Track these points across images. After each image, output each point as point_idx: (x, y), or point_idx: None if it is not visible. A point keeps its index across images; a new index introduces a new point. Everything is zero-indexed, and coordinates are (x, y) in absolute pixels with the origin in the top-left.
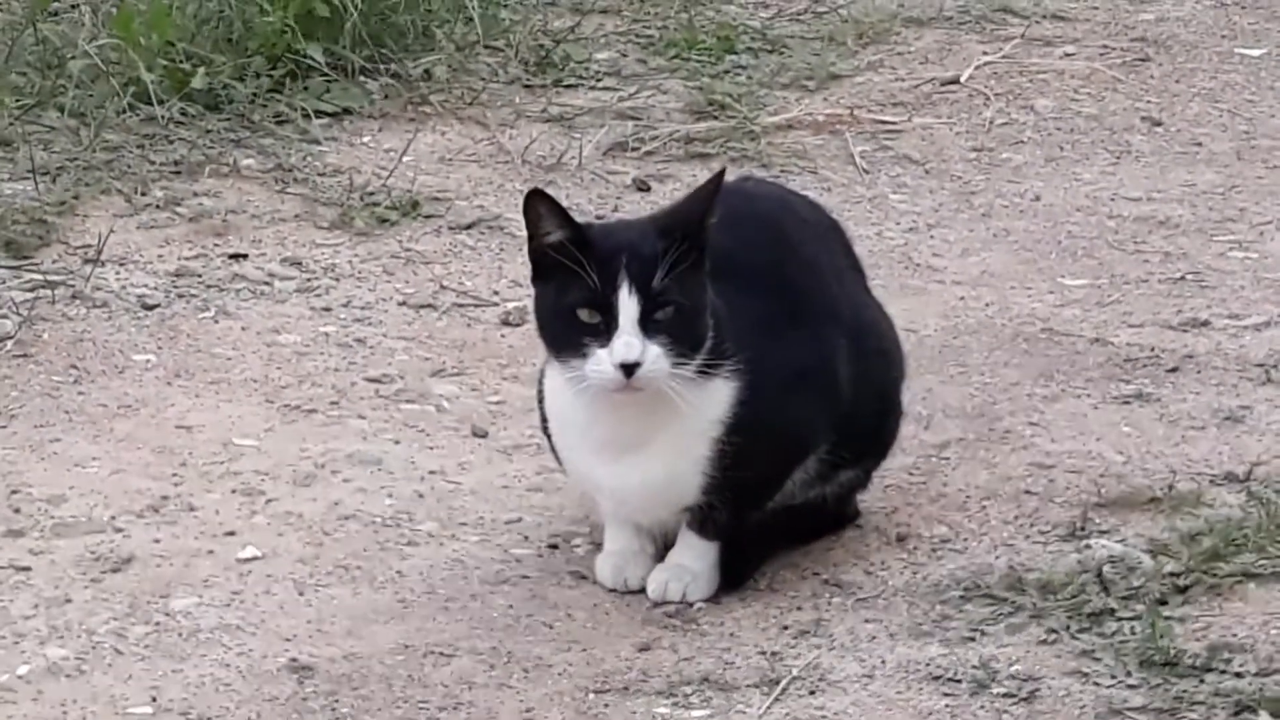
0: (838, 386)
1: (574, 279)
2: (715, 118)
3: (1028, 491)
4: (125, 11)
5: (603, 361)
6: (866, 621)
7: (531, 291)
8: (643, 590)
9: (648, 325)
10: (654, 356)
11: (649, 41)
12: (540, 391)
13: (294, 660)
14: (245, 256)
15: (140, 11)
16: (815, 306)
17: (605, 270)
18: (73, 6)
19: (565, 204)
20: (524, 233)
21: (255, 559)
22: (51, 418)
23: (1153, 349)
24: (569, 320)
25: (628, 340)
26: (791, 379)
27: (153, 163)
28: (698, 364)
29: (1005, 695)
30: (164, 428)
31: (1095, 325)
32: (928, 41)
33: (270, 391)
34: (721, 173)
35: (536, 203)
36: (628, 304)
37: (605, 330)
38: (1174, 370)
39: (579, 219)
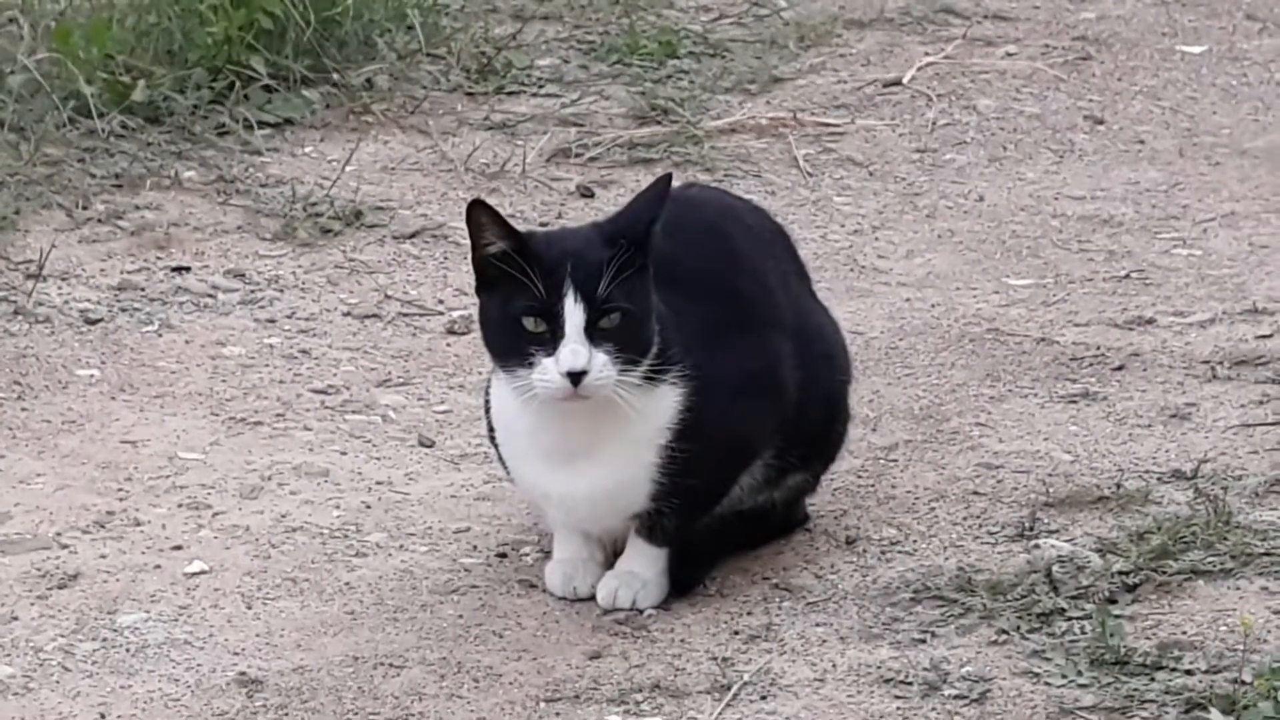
0: (784, 391)
1: (518, 288)
2: (658, 123)
3: (976, 492)
4: (64, 25)
5: (549, 370)
6: (817, 625)
7: (476, 301)
8: (592, 598)
9: (593, 333)
10: (600, 364)
11: (591, 47)
12: (487, 401)
13: (243, 674)
14: (188, 269)
15: (79, 25)
16: (760, 312)
17: (550, 279)
18: (10, 20)
19: (508, 212)
20: (468, 241)
21: (202, 573)
22: None
23: (1098, 348)
24: (514, 330)
25: (574, 348)
26: (738, 384)
27: (94, 176)
28: (644, 370)
29: (957, 697)
30: (109, 443)
31: (1041, 325)
32: (869, 43)
33: (215, 404)
34: (668, 178)
35: (478, 213)
36: (573, 312)
37: (551, 339)
38: (1120, 369)
39: (523, 227)
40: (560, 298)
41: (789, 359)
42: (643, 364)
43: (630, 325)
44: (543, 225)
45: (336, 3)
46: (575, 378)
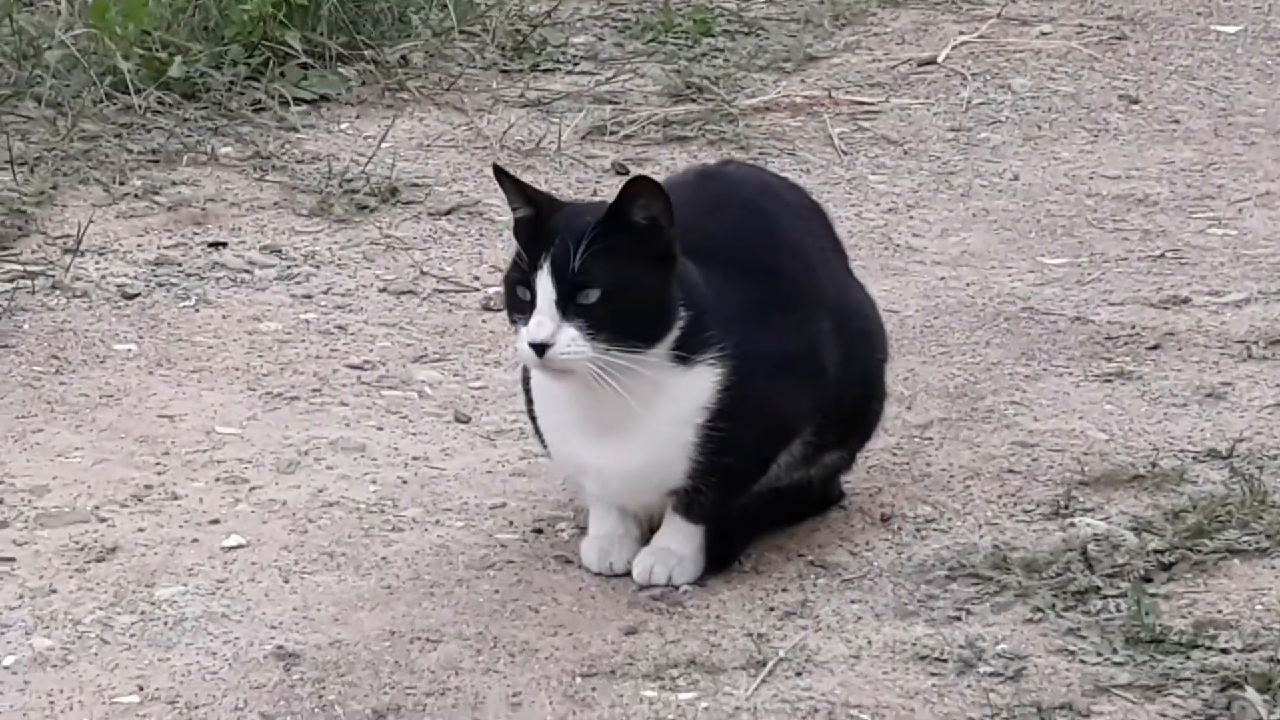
0: (824, 370)
1: (519, 256)
2: (693, 101)
3: (1011, 470)
4: (101, 1)
5: (522, 339)
6: (852, 602)
7: None
8: (628, 574)
9: (567, 307)
10: (568, 339)
11: (626, 25)
12: (525, 375)
13: (280, 647)
14: (225, 245)
15: (116, 0)
16: (800, 290)
17: (536, 249)
18: None
19: (545, 187)
20: (503, 218)
21: (240, 547)
22: (33, 408)
23: (1133, 327)
24: (511, 296)
25: (539, 320)
26: (778, 364)
27: (130, 151)
28: (662, 353)
29: (992, 674)
30: (146, 417)
31: (1076, 304)
32: (904, 22)
33: (252, 379)
34: (640, 180)
35: (500, 179)
36: (544, 284)
37: (529, 308)
38: (1155, 348)
39: (558, 198)
40: (537, 269)
41: (828, 337)
42: (651, 345)
43: (617, 305)
44: (576, 200)
45: None
46: (539, 349)
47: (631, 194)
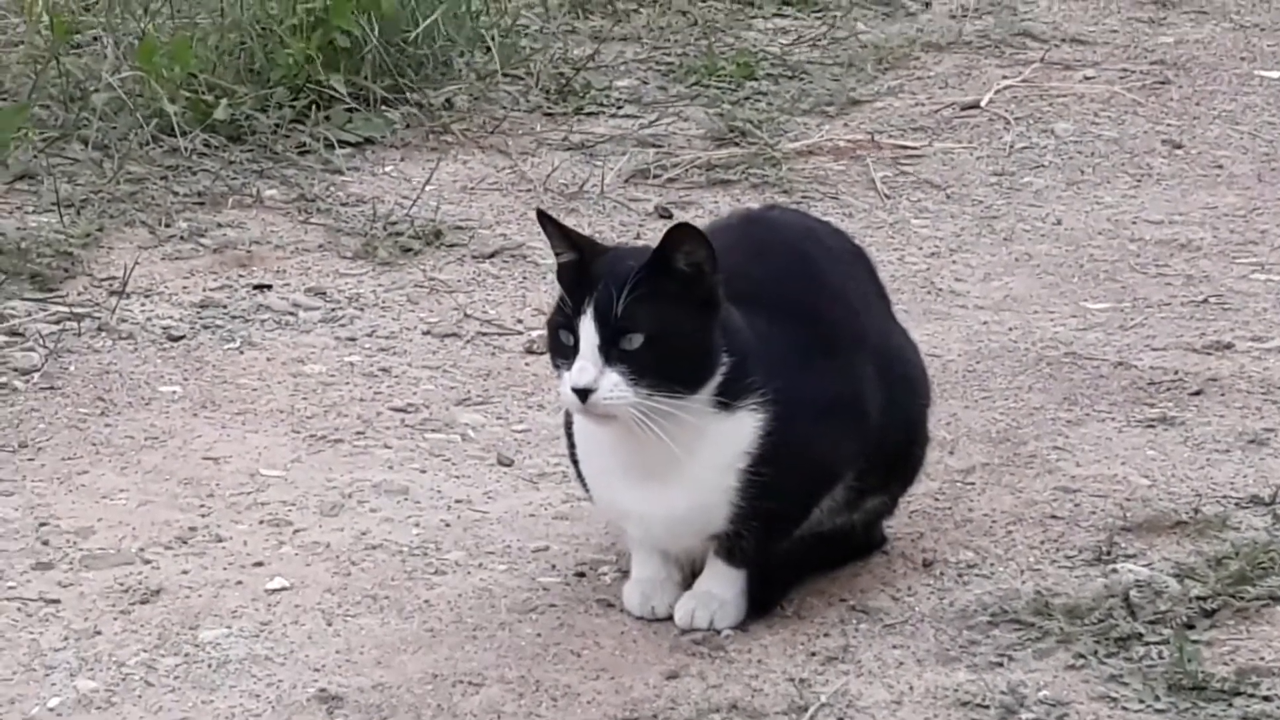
0: (867, 415)
1: (562, 301)
2: (736, 144)
3: (1053, 516)
4: (148, 43)
5: (565, 383)
6: (894, 647)
7: None
8: (670, 618)
9: (610, 353)
10: (610, 384)
11: (669, 68)
12: (568, 419)
13: (323, 690)
14: (269, 287)
15: (162, 43)
16: (843, 335)
17: (579, 294)
18: (95, 39)
19: (587, 233)
20: (547, 261)
21: (283, 589)
22: (79, 450)
23: (1176, 372)
24: (554, 341)
25: (582, 365)
26: (821, 409)
27: (176, 194)
28: (705, 399)
29: None
30: (191, 459)
31: (1118, 349)
32: (947, 66)
33: (296, 422)
34: (682, 227)
35: (543, 223)
36: (587, 329)
37: (572, 353)
38: (1198, 393)
39: (602, 243)
40: (581, 313)
41: (871, 382)
42: (693, 390)
43: (660, 351)
44: (620, 244)
45: (412, 26)
46: (582, 395)
47: (674, 241)
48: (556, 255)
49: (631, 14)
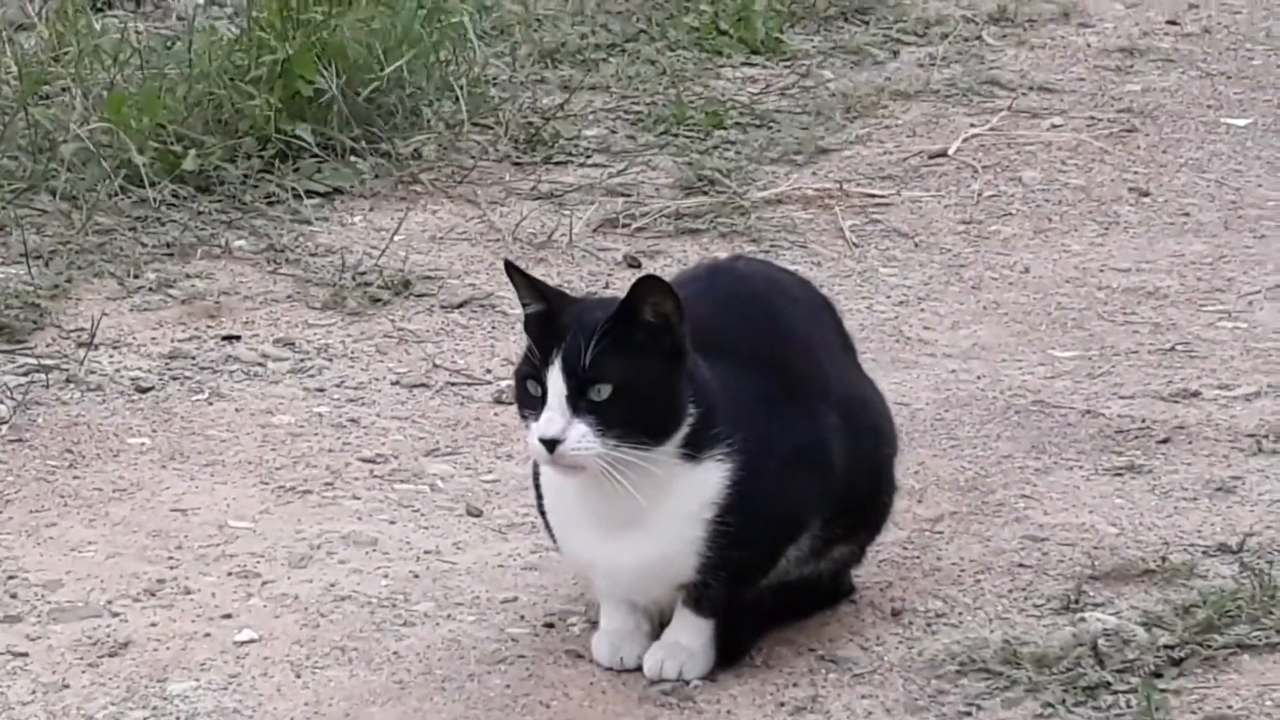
0: (832, 465)
1: (530, 351)
2: (705, 193)
3: (1021, 564)
4: (116, 95)
5: (532, 434)
6: (863, 697)
7: None
8: (639, 668)
9: (578, 404)
10: (579, 435)
11: (638, 118)
12: (535, 470)
13: None
14: (238, 338)
15: (131, 95)
16: (808, 385)
17: (547, 345)
18: (63, 90)
19: (556, 282)
20: (515, 311)
21: (252, 641)
22: (47, 502)
23: (1143, 420)
24: (521, 391)
25: (549, 416)
26: (786, 459)
27: (145, 245)
28: (671, 450)
29: None
30: (159, 511)
31: (1086, 397)
32: (915, 115)
33: (265, 473)
34: (648, 279)
35: (511, 275)
36: (555, 380)
37: (540, 403)
38: (1165, 441)
39: (570, 293)
40: (549, 364)
41: (836, 432)
42: (660, 441)
43: (627, 402)
44: (589, 294)
45: (375, 73)
46: (550, 445)
47: (641, 292)
48: (524, 306)
49: (600, 63)
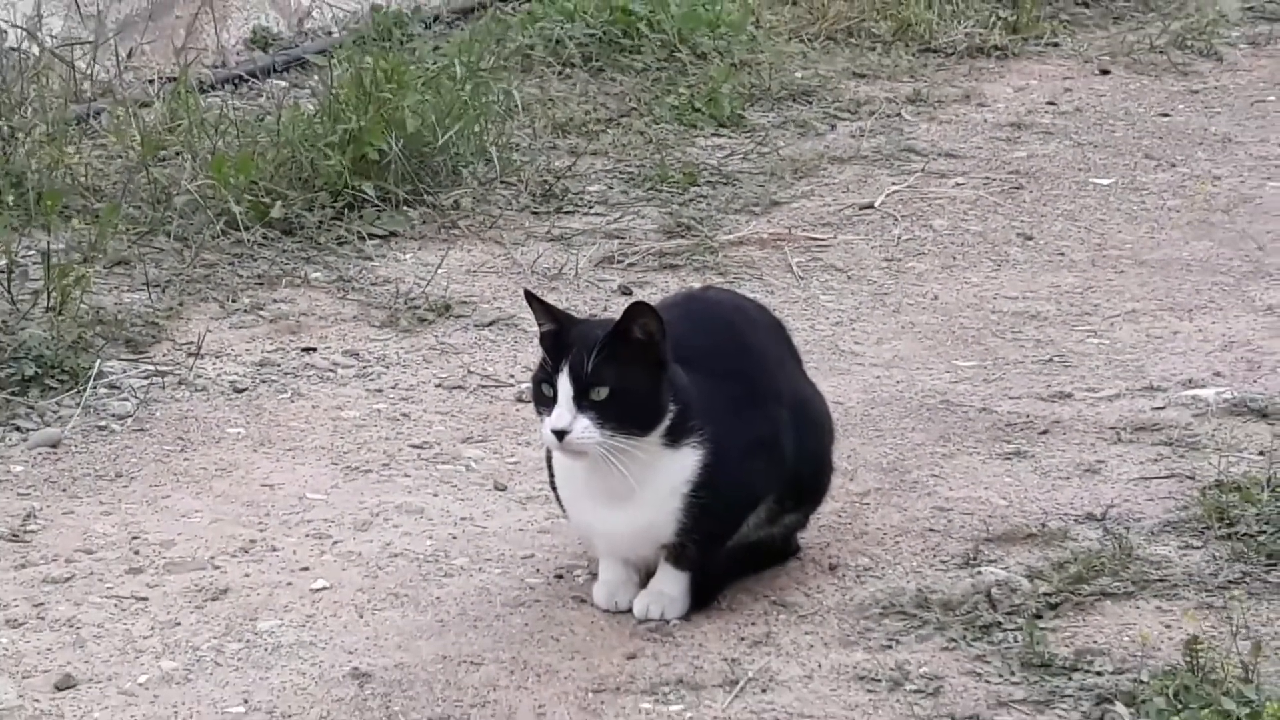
0: (783, 451)
1: (544, 361)
2: (682, 236)
3: (931, 529)
4: (218, 158)
5: (546, 426)
6: (806, 634)
7: None
8: (630, 611)
9: (582, 402)
10: (582, 427)
11: (629, 177)
12: (548, 454)
13: (356, 669)
14: (314, 349)
15: (229, 157)
16: (764, 389)
17: (556, 355)
18: (176, 154)
19: (564, 306)
20: (533, 329)
21: (324, 589)
22: (163, 479)
23: (1028, 416)
24: (537, 392)
25: (560, 412)
26: (747, 447)
27: (240, 276)
28: (656, 438)
29: (915, 691)
30: (252, 486)
31: (982, 398)
32: (848, 175)
33: (335, 456)
34: (639, 305)
35: (530, 301)
36: (564, 384)
37: (552, 402)
38: (1045, 433)
39: (576, 315)
40: (559, 371)
41: (786, 426)
42: (648, 432)
43: (621, 401)
44: (591, 316)
45: (429, 141)
46: (559, 435)
47: (632, 315)
48: (540, 325)
49: (600, 134)
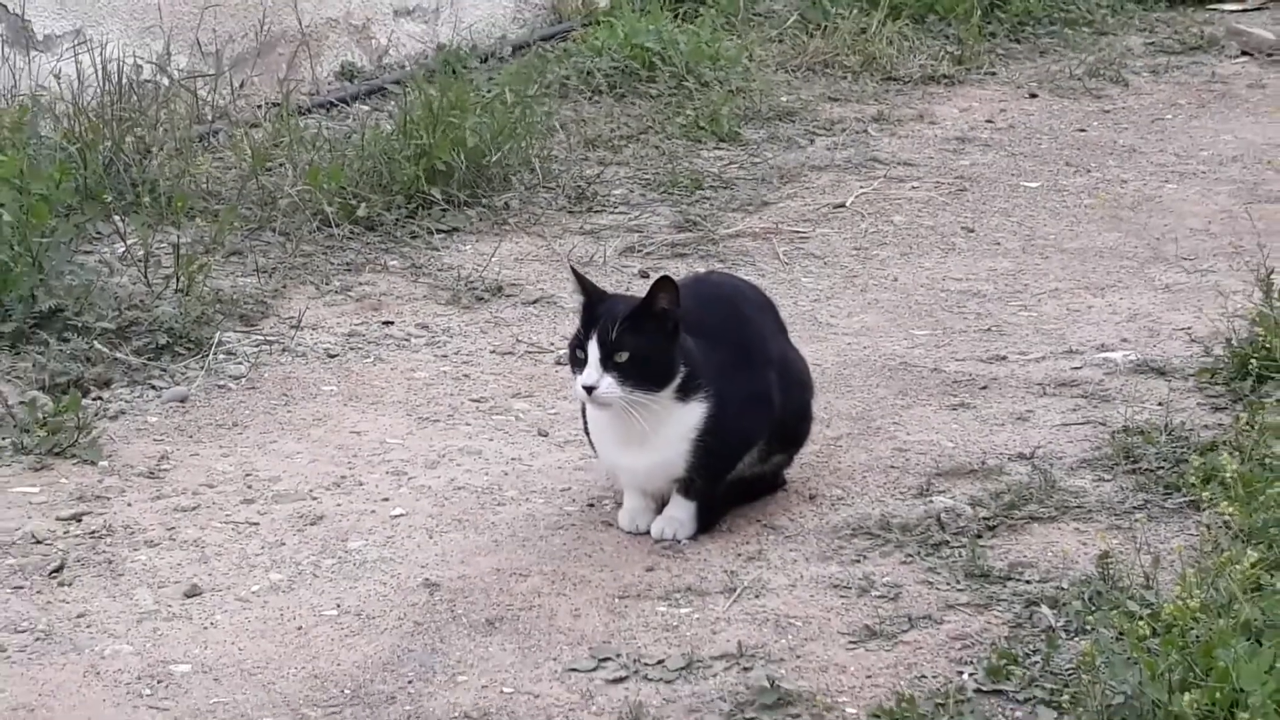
0: (772, 404)
1: (578, 330)
2: (689, 230)
3: (892, 466)
4: (314, 168)
5: (578, 383)
6: (790, 550)
7: None
8: (648, 533)
9: (608, 363)
10: (607, 384)
11: (647, 183)
12: (582, 406)
13: (427, 580)
14: (392, 323)
15: (323, 168)
16: (756, 354)
17: (587, 325)
18: (279, 165)
19: (596, 281)
20: (568, 306)
21: (401, 515)
22: (270, 427)
23: (970, 375)
24: (572, 355)
25: (589, 372)
26: (743, 401)
27: (332, 264)
28: (669, 393)
29: (879, 597)
30: (342, 433)
31: (934, 360)
32: (825, 180)
33: (409, 409)
34: (664, 279)
35: (574, 274)
36: (592, 348)
37: (584, 363)
38: (985, 388)
39: (609, 289)
40: (589, 338)
41: (775, 384)
42: (662, 388)
43: (639, 362)
44: (617, 293)
45: (484, 154)
46: (589, 390)
47: (659, 287)
48: (580, 296)
49: (622, 148)
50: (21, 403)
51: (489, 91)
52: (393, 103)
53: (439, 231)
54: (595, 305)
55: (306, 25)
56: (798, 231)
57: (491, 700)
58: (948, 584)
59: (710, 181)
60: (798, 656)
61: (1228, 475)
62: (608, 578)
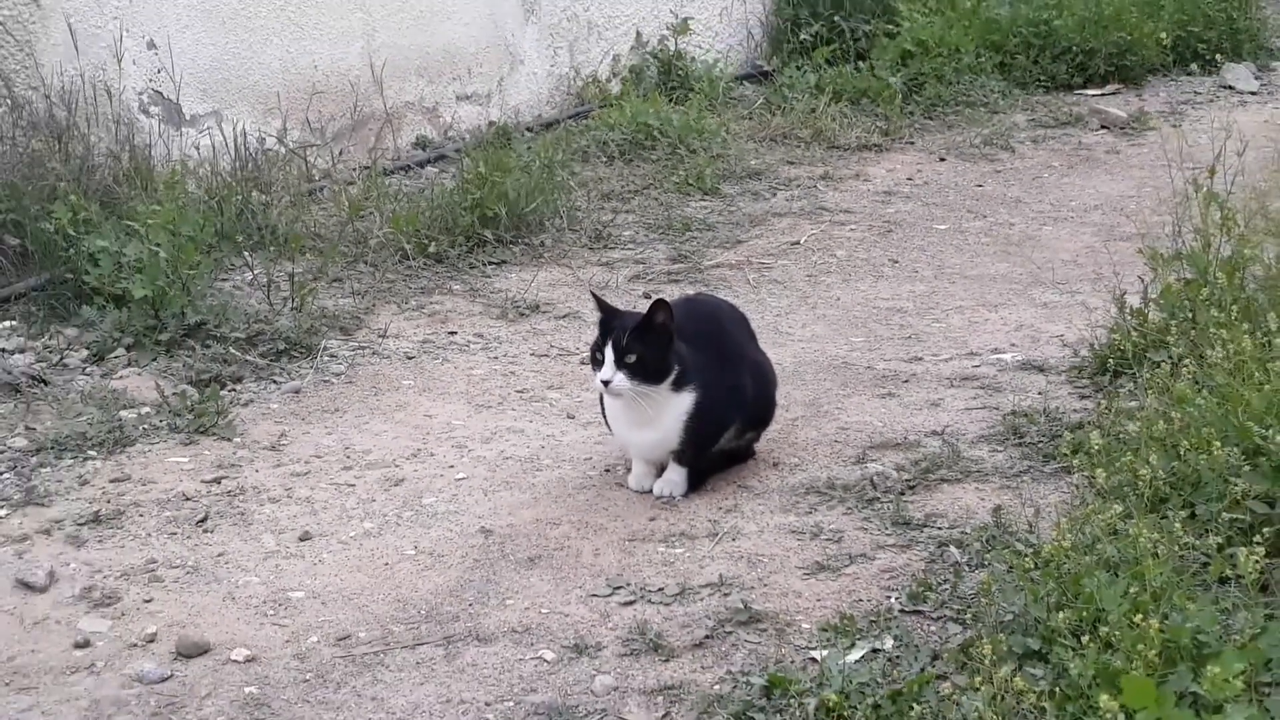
0: (745, 395)
1: (598, 337)
2: (682, 262)
3: (836, 441)
4: (396, 215)
5: (596, 378)
6: (759, 505)
7: None
8: (650, 491)
9: (620, 363)
10: (620, 379)
11: (649, 226)
12: (600, 396)
13: (483, 527)
14: (456, 333)
15: (403, 215)
16: (733, 357)
17: (604, 334)
18: (370, 213)
19: (611, 301)
20: (590, 319)
21: (463, 479)
22: (365, 413)
23: (896, 372)
24: (592, 356)
25: (606, 369)
26: (723, 393)
27: (410, 289)
28: (666, 386)
29: (827, 540)
30: (417, 416)
31: (868, 360)
32: (784, 224)
33: (469, 398)
34: (660, 301)
35: (594, 296)
36: (608, 351)
37: (602, 363)
38: (906, 381)
39: (621, 307)
40: (606, 343)
41: (747, 380)
42: (660, 382)
43: (644, 362)
44: (628, 310)
45: (524, 205)
46: (606, 383)
47: (656, 306)
48: (598, 312)
49: (630, 200)
50: (175, 394)
51: (527, 158)
52: (454, 166)
53: (491, 263)
54: (610, 319)
55: (390, 107)
56: (764, 263)
57: (532, 618)
58: (879, 530)
59: (697, 225)
60: (765, 585)
61: (1093, 447)
62: (620, 526)
